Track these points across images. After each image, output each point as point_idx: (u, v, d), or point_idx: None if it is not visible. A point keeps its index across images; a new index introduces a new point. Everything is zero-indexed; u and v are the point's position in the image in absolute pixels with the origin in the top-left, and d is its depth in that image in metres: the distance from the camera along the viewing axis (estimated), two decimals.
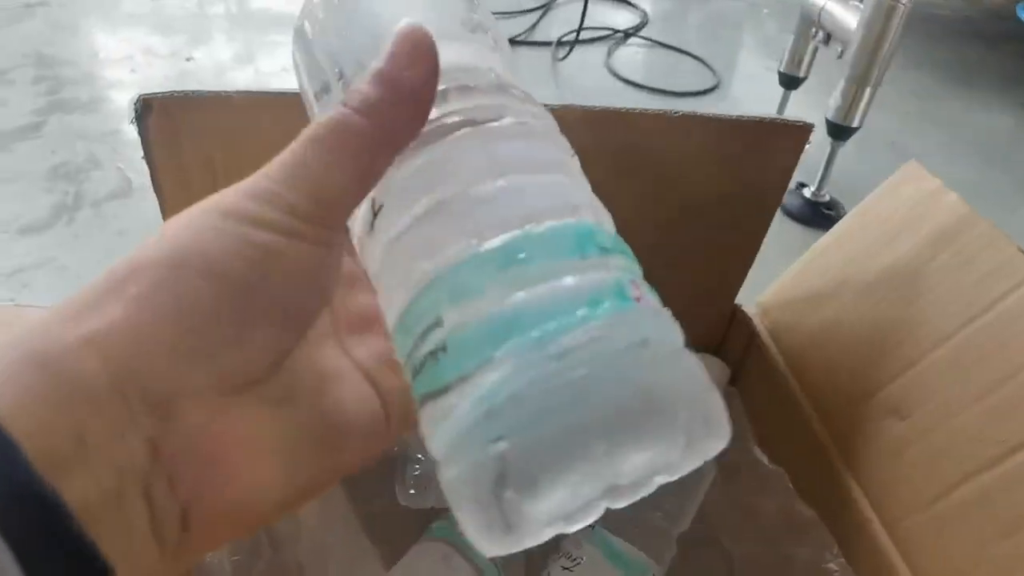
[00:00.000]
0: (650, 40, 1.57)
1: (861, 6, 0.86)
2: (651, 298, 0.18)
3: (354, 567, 0.42)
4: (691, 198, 0.41)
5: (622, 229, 0.42)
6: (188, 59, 1.37)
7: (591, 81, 1.37)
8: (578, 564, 0.41)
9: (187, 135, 0.35)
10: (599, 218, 0.19)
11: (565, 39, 1.47)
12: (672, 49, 1.53)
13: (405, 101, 0.17)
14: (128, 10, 1.60)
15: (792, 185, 1.03)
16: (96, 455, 0.14)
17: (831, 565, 0.38)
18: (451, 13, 0.22)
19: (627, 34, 1.57)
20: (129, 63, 1.34)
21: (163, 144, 0.34)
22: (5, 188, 0.95)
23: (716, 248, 0.44)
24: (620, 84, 1.36)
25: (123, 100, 1.21)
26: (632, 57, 1.51)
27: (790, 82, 1.08)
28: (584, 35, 1.47)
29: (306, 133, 0.17)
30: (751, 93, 1.38)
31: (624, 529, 0.42)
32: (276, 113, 0.35)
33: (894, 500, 0.37)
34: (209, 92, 0.34)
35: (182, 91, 0.33)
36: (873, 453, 0.39)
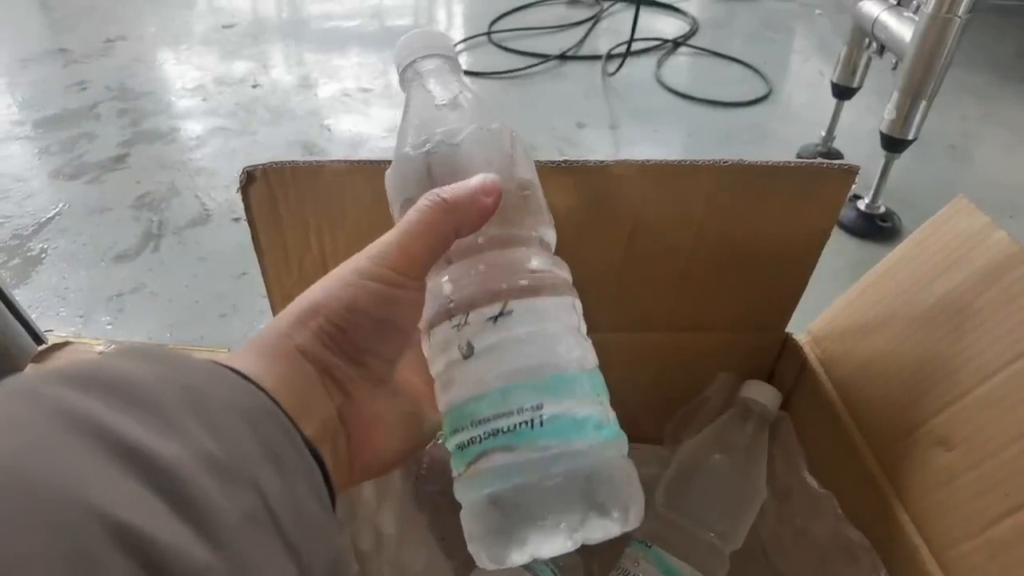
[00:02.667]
0: (700, 49, 1.58)
1: (916, 18, 0.86)
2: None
3: None
4: (743, 241, 0.43)
5: (684, 271, 0.45)
6: (254, 86, 1.45)
7: (641, 95, 1.39)
8: None
9: (284, 200, 0.39)
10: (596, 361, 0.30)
11: (615, 52, 1.48)
12: (722, 57, 1.53)
13: (475, 209, 0.26)
14: (200, 36, 1.69)
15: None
16: (312, 412, 0.23)
17: None
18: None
19: (676, 43, 1.58)
20: (202, 92, 1.43)
21: (263, 210, 0.39)
22: (99, 218, 1.04)
23: (768, 284, 0.47)
24: (671, 97, 1.38)
25: (197, 129, 1.29)
26: (682, 67, 1.52)
27: (843, 92, 1.07)
28: (635, 47, 1.48)
29: (409, 215, 0.26)
30: (804, 101, 1.38)
31: (679, 547, 0.44)
32: (360, 179, 0.39)
33: (942, 529, 0.39)
34: (304, 162, 0.38)
35: (280, 162, 0.38)
36: (920, 482, 0.40)
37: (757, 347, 0.51)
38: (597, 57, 1.51)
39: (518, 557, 0.24)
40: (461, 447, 0.25)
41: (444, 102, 0.30)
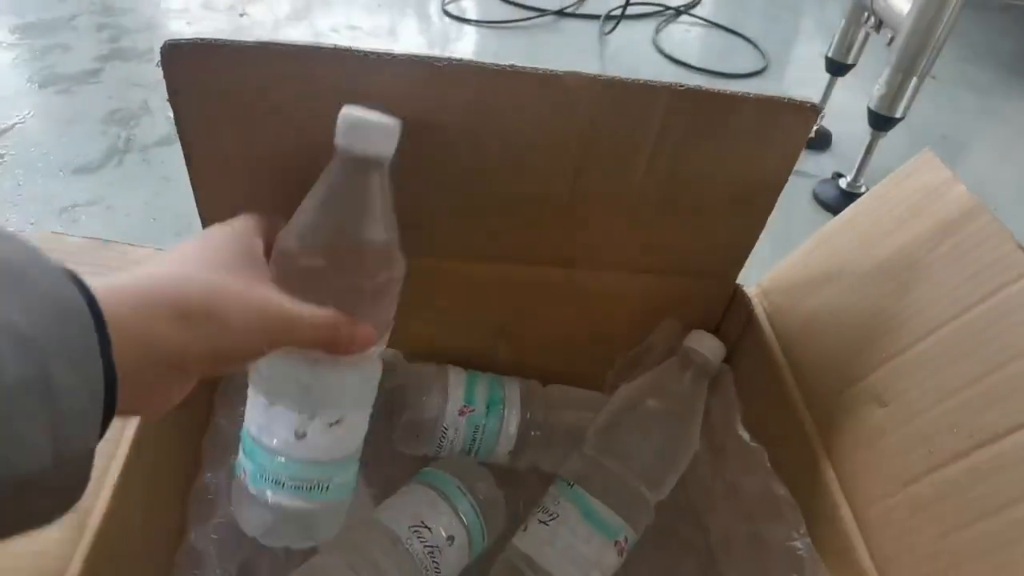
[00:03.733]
0: (701, 19, 1.54)
1: None
2: None
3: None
4: (697, 176, 0.41)
5: (633, 206, 0.43)
6: (242, 15, 1.40)
7: (635, 58, 1.36)
8: (554, 519, 0.42)
9: (214, 79, 0.37)
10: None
11: (613, 13, 1.45)
12: (723, 29, 1.50)
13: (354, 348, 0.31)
14: None
15: (828, 174, 1.02)
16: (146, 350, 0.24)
17: (797, 544, 0.38)
18: None
19: (678, 11, 1.54)
20: (187, 15, 1.38)
21: (187, 89, 0.37)
22: (65, 129, 1.00)
23: (721, 227, 0.45)
24: (665, 63, 1.35)
25: None
26: (681, 36, 1.49)
27: (837, 68, 1.05)
28: (634, 10, 1.45)
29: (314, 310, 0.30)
30: (800, 78, 1.35)
31: (603, 489, 0.43)
32: (294, 66, 0.36)
33: (864, 487, 0.38)
34: (233, 41, 0.36)
35: (206, 38, 0.35)
36: (851, 439, 0.39)
37: (706, 296, 0.50)
38: (596, 16, 1.47)
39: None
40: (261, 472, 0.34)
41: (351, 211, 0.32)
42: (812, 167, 1.05)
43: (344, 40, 1.35)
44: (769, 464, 0.43)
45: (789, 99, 0.39)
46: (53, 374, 0.19)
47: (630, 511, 0.43)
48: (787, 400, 0.44)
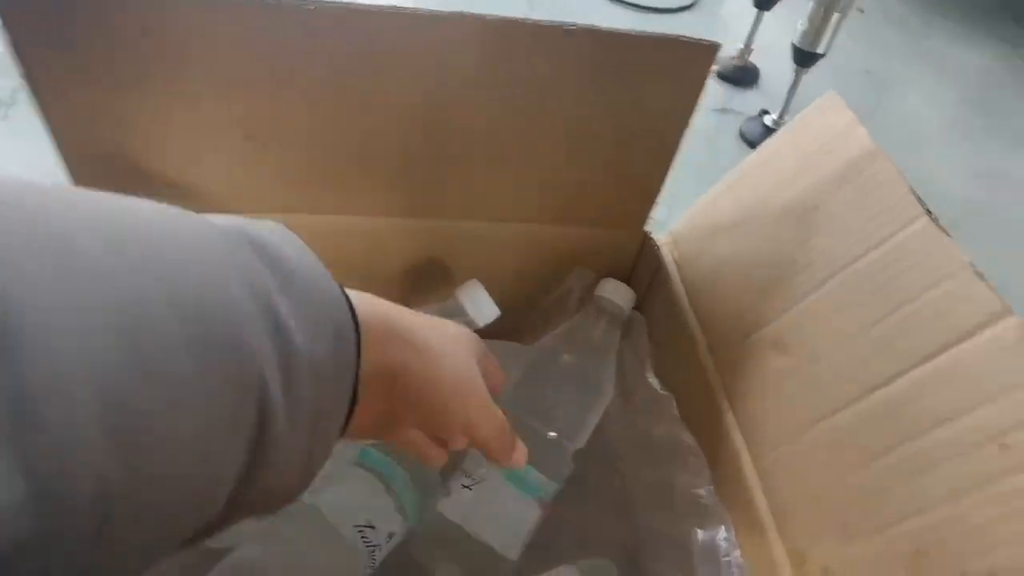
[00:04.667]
0: None
1: None
2: None
3: None
4: (592, 122, 0.39)
5: (530, 163, 0.41)
6: None
7: None
8: (477, 484, 0.42)
9: (54, 31, 0.32)
10: None
11: None
12: None
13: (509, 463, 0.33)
14: None
15: (754, 111, 1.01)
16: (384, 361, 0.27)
17: (701, 492, 0.39)
18: None
19: None
20: None
21: (32, 41, 0.32)
22: None
23: (626, 174, 0.43)
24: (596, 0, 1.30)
25: None
26: None
27: (763, 2, 1.03)
28: None
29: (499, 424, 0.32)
30: (729, 11, 1.33)
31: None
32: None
33: (763, 434, 0.38)
34: None
35: None
36: (752, 387, 0.39)
37: (617, 245, 0.48)
38: None
39: None
40: None
41: None
42: (740, 104, 1.03)
43: None
44: (677, 412, 0.42)
45: (687, 38, 0.37)
46: (321, 404, 0.22)
47: (551, 466, 0.43)
48: (693, 348, 0.44)
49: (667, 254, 0.47)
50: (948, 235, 0.33)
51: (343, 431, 0.25)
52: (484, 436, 0.31)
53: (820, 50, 0.86)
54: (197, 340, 0.17)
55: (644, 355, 0.46)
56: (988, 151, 1.08)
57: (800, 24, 0.86)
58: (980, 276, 0.31)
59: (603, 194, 0.45)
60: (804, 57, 0.88)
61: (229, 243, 0.20)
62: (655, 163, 0.43)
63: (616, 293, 0.46)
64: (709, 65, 0.38)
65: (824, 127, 0.41)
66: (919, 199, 0.35)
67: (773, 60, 1.12)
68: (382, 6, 0.34)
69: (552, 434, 0.44)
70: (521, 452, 0.34)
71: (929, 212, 0.34)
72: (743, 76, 1.08)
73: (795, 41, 0.87)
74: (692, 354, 0.44)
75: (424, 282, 0.49)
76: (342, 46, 0.34)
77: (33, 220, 0.15)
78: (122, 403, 0.15)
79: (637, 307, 0.48)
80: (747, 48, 1.09)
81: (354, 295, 0.25)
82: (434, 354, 0.29)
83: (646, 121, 0.40)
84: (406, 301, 0.48)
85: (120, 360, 0.15)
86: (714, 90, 1.07)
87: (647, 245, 0.48)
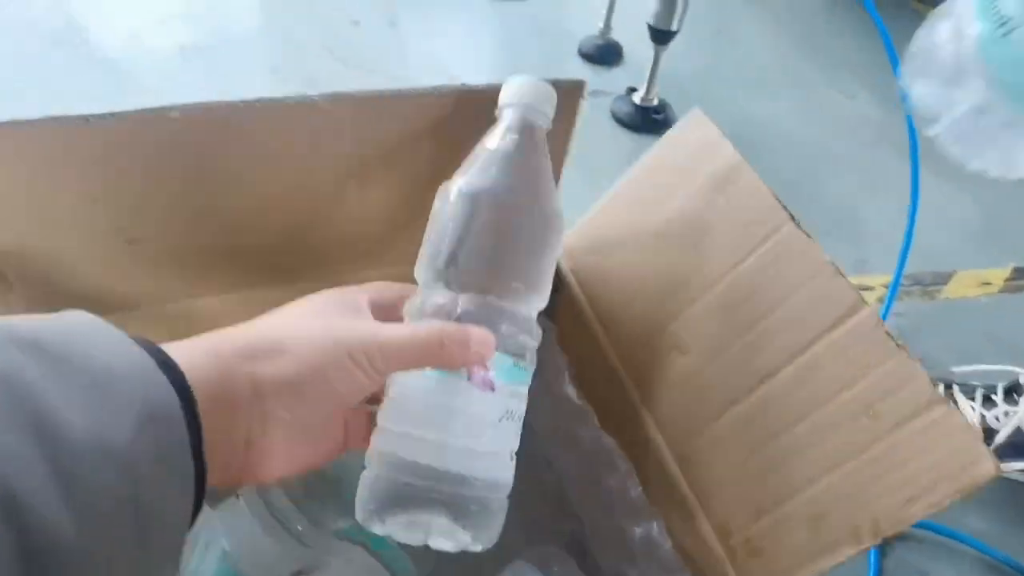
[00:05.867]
0: None
1: None
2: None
3: None
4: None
5: (417, 207, 0.42)
6: None
7: None
8: None
9: None
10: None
11: None
12: None
13: (466, 359, 0.29)
14: None
15: (622, 91, 1.06)
16: (231, 422, 0.25)
17: (631, 492, 0.43)
18: None
19: None
20: None
21: None
22: None
23: None
24: None
25: None
26: None
27: None
28: None
29: (415, 333, 0.29)
30: None
31: None
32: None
33: (677, 426, 0.42)
34: None
35: None
36: (661, 385, 0.44)
37: None
38: None
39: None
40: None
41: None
42: (606, 83, 1.08)
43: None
44: (597, 422, 0.46)
45: (555, 80, 0.39)
46: (141, 481, 0.20)
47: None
48: (602, 354, 0.48)
49: (565, 266, 0.50)
50: (810, 237, 0.38)
51: (202, 491, 0.23)
52: (402, 360, 0.28)
53: (674, 28, 0.92)
54: None
55: (561, 364, 0.50)
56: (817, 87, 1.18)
57: (652, 5, 0.90)
58: (840, 273, 0.37)
59: None
60: (661, 35, 0.93)
61: None
62: None
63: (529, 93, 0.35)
64: (577, 101, 0.40)
65: (691, 143, 0.45)
66: (783, 206, 0.39)
67: (634, 34, 1.17)
68: (234, 101, 0.33)
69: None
70: (479, 338, 0.29)
71: (792, 217, 0.39)
72: (606, 55, 1.12)
73: (650, 22, 0.92)
74: (602, 360, 0.47)
75: None
76: (207, 146, 0.34)
77: None
78: None
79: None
80: (607, 27, 1.13)
81: (193, 359, 0.24)
82: (289, 367, 0.26)
83: None
84: None
85: None
86: (580, 71, 1.10)
87: None
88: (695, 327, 0.42)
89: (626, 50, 1.16)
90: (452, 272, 0.31)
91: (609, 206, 0.49)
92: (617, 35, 1.16)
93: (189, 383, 0.23)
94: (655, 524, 0.41)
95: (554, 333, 0.52)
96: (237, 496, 0.42)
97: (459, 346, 0.28)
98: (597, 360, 0.48)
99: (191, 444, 0.22)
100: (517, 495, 0.49)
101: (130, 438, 0.20)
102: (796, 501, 0.36)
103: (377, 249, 0.45)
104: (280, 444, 0.27)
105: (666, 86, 1.02)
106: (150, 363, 0.22)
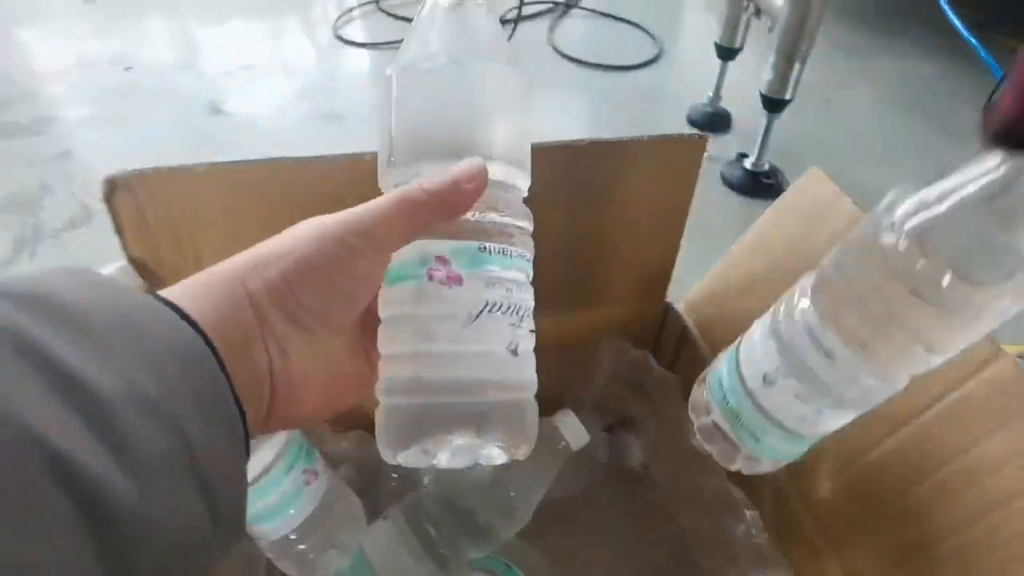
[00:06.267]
0: (591, 10, 1.59)
1: None
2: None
3: None
4: (611, 215, 0.45)
5: (560, 250, 0.46)
6: (127, 68, 1.35)
7: (536, 62, 1.39)
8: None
9: (151, 208, 0.38)
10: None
11: (506, 18, 1.47)
12: (613, 19, 1.55)
13: (458, 201, 0.25)
14: (59, 12, 1.56)
15: (732, 155, 1.08)
16: (244, 362, 0.23)
17: (758, 541, 0.43)
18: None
19: (567, 5, 1.58)
20: (67, 77, 1.32)
21: (130, 219, 0.37)
22: None
23: (641, 256, 0.49)
24: (566, 62, 1.38)
25: (68, 118, 1.20)
26: (575, 30, 1.53)
27: (727, 53, 1.11)
28: (526, 10, 1.48)
29: (389, 195, 0.26)
30: (694, 59, 1.41)
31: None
32: (228, 181, 0.38)
33: (807, 473, 0.43)
34: (167, 168, 0.37)
35: (142, 170, 0.37)
36: None
37: (641, 318, 0.54)
38: None
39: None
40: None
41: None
42: (716, 149, 1.10)
43: (240, 80, 1.32)
44: (723, 470, 0.47)
45: (679, 135, 0.43)
46: (193, 439, 0.19)
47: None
48: None
49: (687, 318, 0.52)
50: None
51: (247, 447, 0.23)
52: (392, 226, 0.25)
53: (787, 96, 0.94)
54: None
55: (683, 416, 0.51)
56: (939, 156, 1.15)
57: (765, 75, 0.93)
58: None
59: (621, 278, 0.50)
60: (773, 104, 0.95)
61: None
62: (665, 244, 0.48)
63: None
64: (701, 155, 0.44)
65: (811, 200, 0.46)
66: None
67: (742, 101, 1.20)
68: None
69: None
70: (464, 171, 0.25)
71: None
72: (716, 122, 1.16)
73: (762, 91, 0.94)
74: None
75: None
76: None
77: None
78: None
79: (670, 369, 0.53)
80: (716, 95, 1.17)
81: (197, 301, 0.23)
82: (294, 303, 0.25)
83: (652, 210, 0.46)
84: None
85: None
86: None
87: (670, 314, 0.53)
88: None
89: (734, 117, 1.19)
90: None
91: (730, 260, 0.51)
92: (725, 103, 1.19)
93: (201, 326, 0.21)
94: (783, 574, 0.41)
95: (677, 384, 0.54)
96: (384, 517, 0.46)
97: (447, 187, 0.25)
98: None
99: (228, 385, 0.21)
100: (637, 547, 0.50)
101: (165, 389, 0.19)
102: (938, 551, 0.36)
103: None
104: (302, 366, 0.26)
105: (775, 151, 1.04)
106: (165, 311, 0.21)
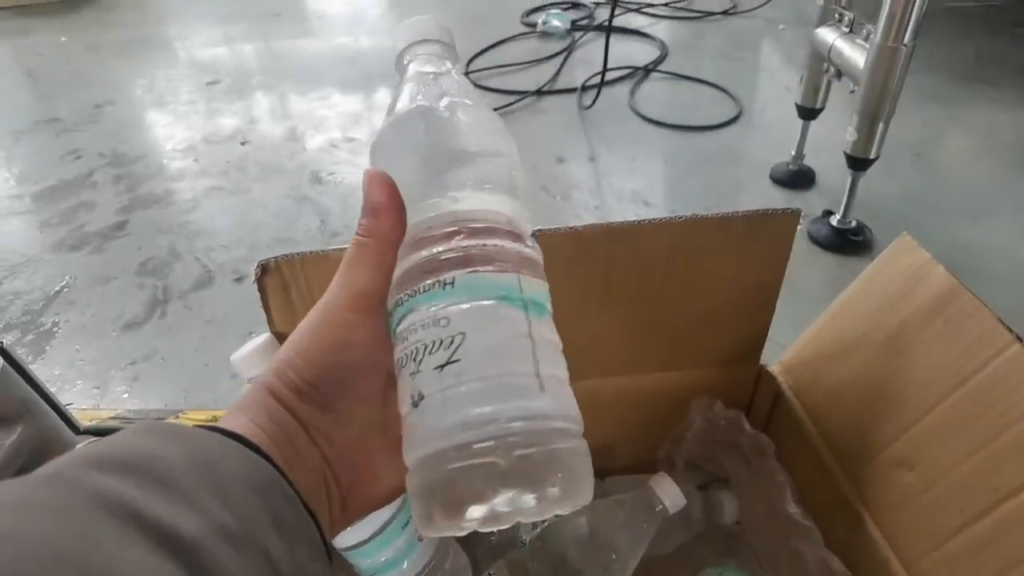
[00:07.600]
0: (670, 73, 1.63)
1: (867, 45, 0.91)
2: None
3: None
4: (706, 285, 0.48)
5: (655, 316, 0.49)
6: (243, 143, 1.49)
7: (617, 125, 1.44)
8: None
9: (295, 286, 0.43)
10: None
11: (589, 83, 1.54)
12: (692, 80, 1.59)
13: (386, 231, 0.26)
14: (185, 96, 1.74)
15: (818, 212, 1.08)
16: (303, 464, 0.25)
17: None
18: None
19: (648, 70, 1.63)
20: (193, 152, 1.47)
21: (278, 297, 0.43)
22: (105, 287, 1.08)
23: (735, 321, 0.51)
24: (646, 124, 1.43)
25: (191, 190, 1.33)
26: (655, 92, 1.57)
27: (808, 113, 1.12)
28: (607, 75, 1.54)
29: (343, 261, 0.27)
30: (773, 118, 1.43)
31: None
32: None
33: (908, 543, 0.43)
34: (311, 252, 0.43)
35: (289, 254, 0.42)
36: (887, 501, 0.44)
37: (735, 379, 0.55)
38: (573, 90, 1.56)
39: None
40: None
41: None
42: (801, 206, 1.11)
43: (344, 153, 1.44)
44: (822, 540, 0.48)
45: (773, 209, 0.46)
46: (277, 560, 0.20)
47: None
48: (823, 468, 0.50)
49: (783, 381, 0.54)
50: None
51: (325, 545, 0.24)
52: (368, 280, 0.26)
53: (872, 155, 0.94)
54: None
55: (783, 481, 0.52)
56: None
57: (849, 135, 0.94)
58: None
59: (717, 342, 0.52)
60: (859, 163, 0.96)
61: (56, 491, 0.18)
62: (759, 311, 0.50)
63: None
64: (794, 227, 0.46)
65: (902, 269, 0.48)
66: (1008, 327, 0.41)
67: (825, 157, 1.20)
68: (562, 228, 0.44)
69: None
70: (370, 180, 0.26)
71: (1020, 339, 0.40)
72: (800, 180, 1.16)
73: (847, 151, 0.95)
74: (824, 474, 0.49)
75: None
76: None
77: None
78: None
79: (765, 431, 0.54)
80: (799, 153, 1.18)
81: (246, 428, 0.24)
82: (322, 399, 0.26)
83: (748, 279, 0.48)
84: None
85: None
86: (775, 197, 1.15)
87: (763, 376, 0.55)
88: (920, 445, 0.44)
89: (818, 173, 1.19)
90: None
91: (824, 325, 0.52)
92: (808, 159, 1.20)
93: (263, 449, 0.23)
94: None
95: (771, 446, 0.55)
96: (489, 574, 0.49)
97: (368, 218, 0.26)
98: (818, 472, 0.50)
99: (298, 496, 0.23)
100: None
101: (245, 519, 0.20)
102: None
103: (611, 359, 0.52)
104: (351, 443, 0.26)
105: (861, 207, 1.03)
106: (232, 444, 0.22)
